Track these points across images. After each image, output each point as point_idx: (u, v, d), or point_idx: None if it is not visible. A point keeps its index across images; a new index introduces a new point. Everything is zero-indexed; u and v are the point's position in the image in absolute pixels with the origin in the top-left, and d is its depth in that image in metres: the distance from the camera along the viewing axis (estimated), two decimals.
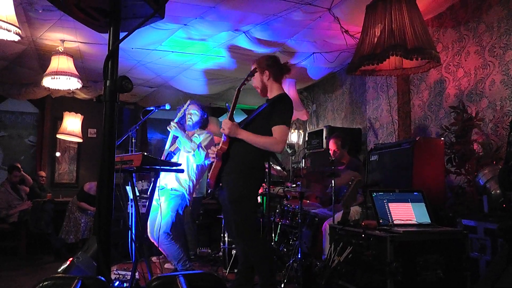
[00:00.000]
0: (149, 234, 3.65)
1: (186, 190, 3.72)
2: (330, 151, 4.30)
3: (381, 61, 3.07)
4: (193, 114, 3.85)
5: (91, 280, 1.13)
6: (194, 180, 3.79)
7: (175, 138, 3.79)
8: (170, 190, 3.67)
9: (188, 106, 3.87)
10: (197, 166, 3.80)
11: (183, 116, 3.86)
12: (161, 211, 3.55)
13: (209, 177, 2.77)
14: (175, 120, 3.66)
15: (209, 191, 5.04)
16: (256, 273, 2.72)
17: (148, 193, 3.25)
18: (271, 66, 2.80)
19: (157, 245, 3.62)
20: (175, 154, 3.88)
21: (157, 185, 3.01)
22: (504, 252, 1.73)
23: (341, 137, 4.27)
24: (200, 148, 3.65)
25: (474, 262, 2.68)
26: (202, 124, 3.92)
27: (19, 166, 5.71)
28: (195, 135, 3.84)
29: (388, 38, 3.01)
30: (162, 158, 3.73)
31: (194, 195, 5.04)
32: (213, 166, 2.73)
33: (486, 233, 2.65)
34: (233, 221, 2.65)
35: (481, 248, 2.67)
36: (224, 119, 2.68)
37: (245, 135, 2.63)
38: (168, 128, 3.66)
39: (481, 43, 3.57)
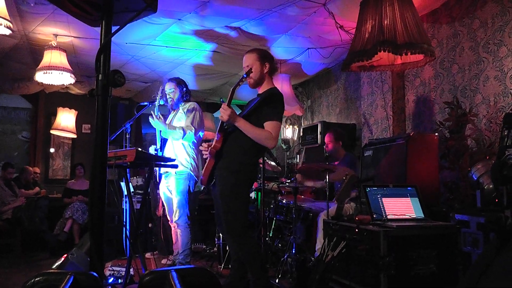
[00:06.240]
0: (168, 218, 3.89)
1: (191, 169, 3.74)
2: (325, 147, 4.31)
3: (370, 57, 3.05)
4: (171, 92, 3.84)
5: (83, 275, 1.12)
6: (195, 156, 3.81)
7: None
8: (175, 174, 3.68)
9: (164, 87, 3.87)
10: (192, 142, 3.80)
11: (166, 99, 3.85)
12: (174, 197, 3.71)
13: (202, 174, 2.77)
14: (155, 113, 3.62)
15: (202, 188, 5.05)
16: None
17: (143, 188, 3.25)
18: (271, 60, 2.82)
19: (176, 229, 3.77)
20: (167, 139, 3.88)
21: (153, 178, 3.02)
22: (493, 243, 1.74)
23: (336, 132, 4.28)
24: (187, 131, 3.66)
25: (467, 256, 2.71)
26: (185, 98, 3.90)
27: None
28: (180, 111, 3.83)
29: (377, 34, 3.00)
30: (157, 146, 3.76)
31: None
32: (206, 163, 2.72)
33: (478, 227, 2.67)
34: (223, 217, 2.64)
35: (473, 243, 2.69)
36: (224, 105, 2.60)
37: (243, 124, 2.60)
38: (150, 121, 3.63)
39: (475, 39, 3.58)
